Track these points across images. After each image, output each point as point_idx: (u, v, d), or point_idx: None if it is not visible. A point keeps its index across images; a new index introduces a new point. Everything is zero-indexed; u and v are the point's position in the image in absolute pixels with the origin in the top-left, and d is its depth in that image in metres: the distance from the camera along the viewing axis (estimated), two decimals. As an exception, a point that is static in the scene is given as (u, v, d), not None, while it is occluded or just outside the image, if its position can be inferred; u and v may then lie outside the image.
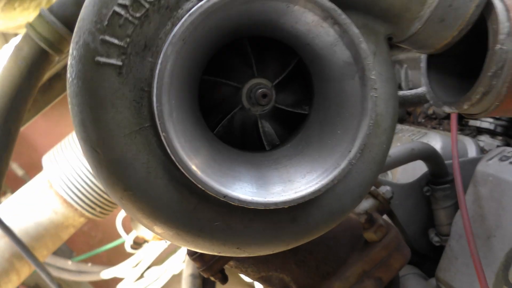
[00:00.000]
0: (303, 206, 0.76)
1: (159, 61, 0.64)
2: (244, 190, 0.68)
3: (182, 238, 0.76)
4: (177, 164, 0.65)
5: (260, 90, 0.77)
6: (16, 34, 1.70)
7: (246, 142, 0.85)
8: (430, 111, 2.29)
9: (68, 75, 0.71)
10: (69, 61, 0.70)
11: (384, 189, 1.39)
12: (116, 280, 3.25)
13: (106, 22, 0.67)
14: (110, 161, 0.70)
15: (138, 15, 0.67)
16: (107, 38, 0.67)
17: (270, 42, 0.83)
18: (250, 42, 0.82)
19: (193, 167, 0.65)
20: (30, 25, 1.24)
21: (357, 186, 0.82)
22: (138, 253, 3.22)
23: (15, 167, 3.80)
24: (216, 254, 0.78)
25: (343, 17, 0.68)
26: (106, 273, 3.16)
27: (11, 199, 2.37)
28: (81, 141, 0.72)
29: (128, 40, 0.68)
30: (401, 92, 1.36)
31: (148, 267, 3.25)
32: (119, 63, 0.68)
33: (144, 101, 0.70)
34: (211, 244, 0.76)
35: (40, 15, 1.09)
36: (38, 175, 2.47)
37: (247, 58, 0.83)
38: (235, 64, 0.85)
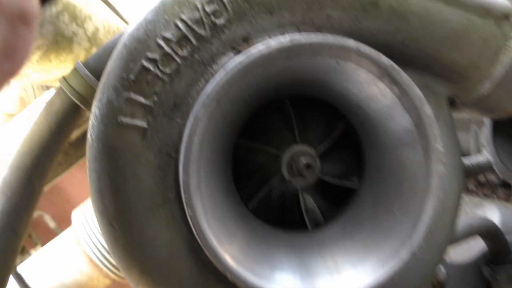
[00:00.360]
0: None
1: (189, 125, 0.55)
2: (282, 282, 0.56)
3: (207, 335, 0.63)
4: (205, 252, 0.54)
5: (303, 161, 0.66)
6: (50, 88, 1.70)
7: (285, 218, 0.74)
8: (481, 178, 2.11)
9: (89, 136, 0.63)
10: (90, 121, 0.63)
11: (438, 271, 1.22)
12: None
13: (133, 78, 0.60)
14: (127, 238, 0.60)
15: (168, 71, 0.60)
16: (133, 96, 0.60)
17: (314, 102, 0.73)
18: (290, 102, 0.73)
19: (223, 254, 0.54)
20: (63, 79, 1.19)
21: (416, 276, 0.68)
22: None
23: (47, 219, 3.79)
24: None
25: (402, 75, 0.58)
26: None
27: (37, 255, 2.30)
28: (96, 213, 0.63)
29: (155, 98, 0.60)
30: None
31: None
32: (144, 124, 0.60)
33: (170, 168, 0.62)
34: None
35: (74, 69, 1.04)
36: (66, 230, 2.41)
37: (287, 121, 0.74)
38: (274, 127, 0.76)
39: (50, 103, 1.23)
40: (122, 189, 0.60)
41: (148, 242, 0.59)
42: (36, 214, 3.25)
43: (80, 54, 1.74)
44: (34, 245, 3.54)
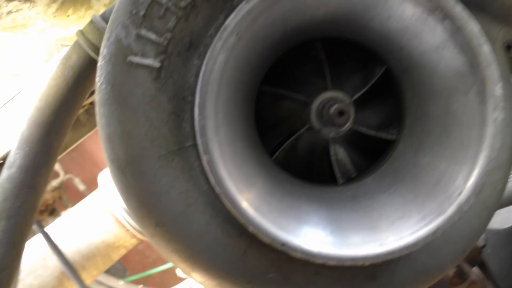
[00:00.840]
0: (388, 261, 0.57)
1: (205, 61, 0.49)
2: (310, 237, 0.50)
3: (226, 290, 0.59)
4: (224, 202, 0.49)
5: (335, 107, 0.59)
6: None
7: (312, 171, 0.67)
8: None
9: (97, 78, 0.57)
10: (99, 61, 0.57)
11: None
12: (168, 304, 3.14)
13: (143, 13, 0.53)
14: (140, 188, 0.55)
15: (182, 4, 0.53)
16: (143, 33, 0.53)
17: (349, 45, 0.65)
18: (323, 46, 0.65)
19: (244, 204, 0.48)
20: (80, 32, 1.12)
21: (461, 238, 0.61)
22: (189, 279, 3.09)
23: (77, 182, 3.86)
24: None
25: (457, 9, 0.49)
26: (156, 297, 3.05)
27: (65, 216, 2.34)
28: (108, 161, 0.58)
29: (169, 36, 0.54)
30: None
31: (200, 294, 3.11)
32: (157, 64, 0.54)
33: (187, 114, 0.55)
34: (262, 301, 0.59)
35: (91, 21, 0.98)
36: (93, 192, 2.43)
37: (318, 66, 0.66)
38: (303, 74, 0.68)
39: (66, 57, 1.19)
40: (133, 136, 0.54)
41: (162, 193, 0.54)
42: (65, 177, 3.31)
43: (100, 10, 1.68)
44: (64, 207, 3.63)
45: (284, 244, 0.49)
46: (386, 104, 0.68)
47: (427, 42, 0.53)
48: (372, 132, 0.65)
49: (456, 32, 0.50)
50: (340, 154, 0.67)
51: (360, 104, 0.66)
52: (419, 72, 0.57)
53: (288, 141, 0.65)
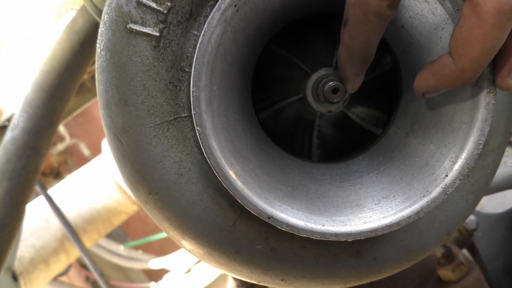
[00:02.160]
0: (372, 239, 0.58)
1: (202, 33, 0.49)
2: (296, 211, 0.51)
3: (215, 259, 0.61)
4: (216, 174, 0.50)
5: (332, 83, 0.59)
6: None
7: (294, 142, 0.68)
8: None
9: (97, 45, 0.58)
10: (100, 27, 0.58)
11: (467, 218, 1.16)
12: (166, 270, 3.21)
13: (143, -20, 0.53)
14: (135, 155, 0.57)
15: (184, -27, 0.53)
16: (144, 0, 0.54)
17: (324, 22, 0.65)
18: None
19: (233, 176, 0.50)
20: (87, -4, 1.11)
21: (446, 219, 0.62)
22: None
23: (82, 147, 3.90)
24: (254, 283, 0.63)
25: (457, -13, 0.49)
26: (155, 263, 3.12)
27: (68, 180, 2.37)
28: (105, 127, 0.59)
29: (169, 4, 0.54)
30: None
31: (197, 262, 3.17)
32: (156, 33, 0.54)
33: (184, 85, 0.56)
34: (249, 271, 0.61)
35: (99, -14, 0.96)
36: (96, 157, 2.46)
37: (330, 42, 0.66)
38: (314, 45, 0.68)
39: (72, 22, 1.19)
40: (130, 103, 0.55)
41: (156, 161, 0.55)
42: (71, 141, 3.34)
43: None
44: (69, 171, 3.66)
45: (270, 217, 0.50)
46: (380, 100, 0.68)
47: (427, 21, 0.53)
48: (359, 121, 0.66)
49: (456, 13, 0.50)
50: (323, 131, 0.67)
51: (356, 93, 0.67)
52: (416, 52, 0.57)
53: (274, 107, 0.66)
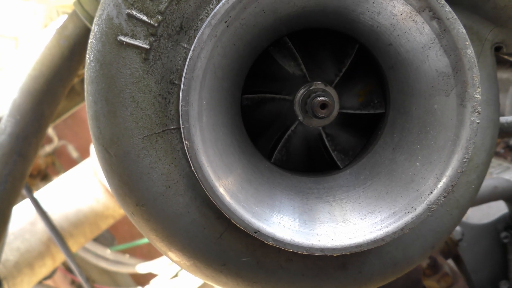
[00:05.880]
0: (358, 252, 0.59)
1: (192, 47, 0.49)
2: (283, 226, 0.52)
3: (201, 271, 0.61)
4: (203, 186, 0.50)
5: (317, 100, 0.60)
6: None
7: (313, 162, 0.69)
8: (512, 142, 2.01)
9: (87, 55, 0.58)
10: (90, 38, 0.57)
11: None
12: (153, 274, 3.19)
13: (135, -7, 0.53)
14: (123, 167, 0.57)
15: (175, -13, 0.53)
16: (135, 13, 0.54)
17: (319, 33, 0.66)
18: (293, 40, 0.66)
19: (221, 190, 0.50)
20: (77, 2, 1.12)
21: (431, 234, 0.63)
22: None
23: (71, 149, 3.87)
24: (241, 295, 0.63)
25: (446, 9, 0.50)
26: (142, 267, 3.10)
27: (55, 182, 2.35)
28: (93, 138, 0.59)
29: (160, 18, 0.54)
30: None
31: (185, 267, 3.16)
32: (146, 46, 0.54)
33: (173, 97, 0.56)
34: (235, 283, 0.61)
35: (90, -8, 0.96)
36: (84, 161, 2.44)
37: (294, 60, 0.67)
38: (281, 71, 0.68)
39: (62, 27, 1.18)
40: (118, 115, 0.55)
41: (144, 173, 0.56)
42: (59, 143, 3.31)
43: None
44: (57, 173, 3.63)
45: (257, 231, 0.51)
46: (366, 82, 0.69)
47: (414, 40, 0.54)
48: (358, 111, 0.67)
49: (443, 33, 0.51)
50: (334, 137, 0.68)
51: (342, 86, 0.68)
52: (404, 69, 0.58)
53: (282, 141, 0.67)
